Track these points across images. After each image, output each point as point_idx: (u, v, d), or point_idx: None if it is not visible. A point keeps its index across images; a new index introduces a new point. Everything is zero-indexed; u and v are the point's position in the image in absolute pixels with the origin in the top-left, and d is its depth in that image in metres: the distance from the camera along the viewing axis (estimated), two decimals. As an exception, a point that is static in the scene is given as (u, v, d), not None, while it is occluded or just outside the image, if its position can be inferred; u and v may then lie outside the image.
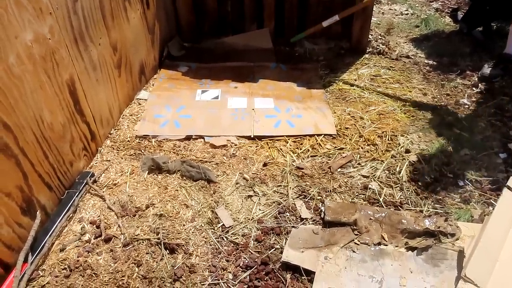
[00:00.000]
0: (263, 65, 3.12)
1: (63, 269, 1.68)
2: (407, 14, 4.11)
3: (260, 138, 2.37)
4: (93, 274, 1.65)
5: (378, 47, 3.29)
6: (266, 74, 3.00)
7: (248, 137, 2.38)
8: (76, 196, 1.94)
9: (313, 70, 3.06)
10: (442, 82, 2.91)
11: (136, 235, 1.80)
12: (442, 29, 3.73)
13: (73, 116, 2.00)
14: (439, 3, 4.32)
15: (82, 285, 1.61)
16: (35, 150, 1.72)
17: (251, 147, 2.32)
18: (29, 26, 1.62)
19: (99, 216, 1.91)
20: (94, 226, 1.86)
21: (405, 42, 3.52)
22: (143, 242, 1.78)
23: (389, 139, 2.33)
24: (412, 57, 3.25)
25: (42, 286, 1.61)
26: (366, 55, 3.25)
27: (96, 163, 2.21)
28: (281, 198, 1.98)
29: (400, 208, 1.90)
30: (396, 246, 1.70)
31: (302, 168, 2.14)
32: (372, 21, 3.22)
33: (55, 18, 1.78)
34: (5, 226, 1.58)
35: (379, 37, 3.43)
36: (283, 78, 2.95)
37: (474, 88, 2.83)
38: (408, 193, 1.99)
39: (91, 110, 2.15)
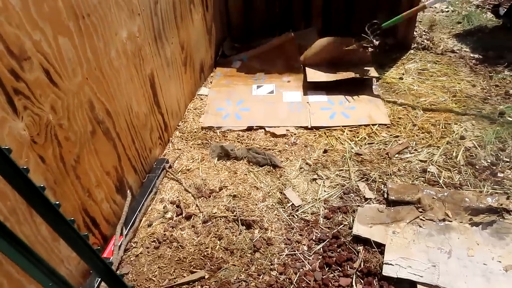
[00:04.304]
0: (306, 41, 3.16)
1: (152, 242, 1.87)
2: (447, 11, 4.17)
3: (317, 128, 2.52)
4: (179, 246, 1.84)
5: (422, 42, 3.38)
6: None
7: (306, 127, 2.53)
8: (156, 179, 2.14)
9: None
10: (490, 74, 2.97)
11: (214, 213, 1.97)
12: (485, 24, 3.78)
13: (152, 107, 2.21)
14: (479, 0, 4.36)
15: (171, 255, 1.79)
16: (126, 135, 1.93)
17: (309, 136, 2.46)
18: (124, 25, 1.83)
19: (177, 197, 2.10)
20: (175, 205, 2.05)
21: (449, 38, 3.60)
22: (220, 219, 1.95)
23: (443, 127, 2.43)
24: (457, 51, 3.32)
25: (136, 255, 1.81)
26: (411, 51, 3.34)
27: (168, 151, 2.41)
28: (344, 181, 2.12)
29: (460, 189, 2.00)
30: (461, 222, 1.80)
31: (361, 154, 2.27)
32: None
33: (142, 18, 2.00)
34: (105, 202, 1.78)
35: (423, 33, 3.53)
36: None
37: (523, 80, 2.88)
38: (467, 175, 2.09)
39: (165, 103, 2.36)
